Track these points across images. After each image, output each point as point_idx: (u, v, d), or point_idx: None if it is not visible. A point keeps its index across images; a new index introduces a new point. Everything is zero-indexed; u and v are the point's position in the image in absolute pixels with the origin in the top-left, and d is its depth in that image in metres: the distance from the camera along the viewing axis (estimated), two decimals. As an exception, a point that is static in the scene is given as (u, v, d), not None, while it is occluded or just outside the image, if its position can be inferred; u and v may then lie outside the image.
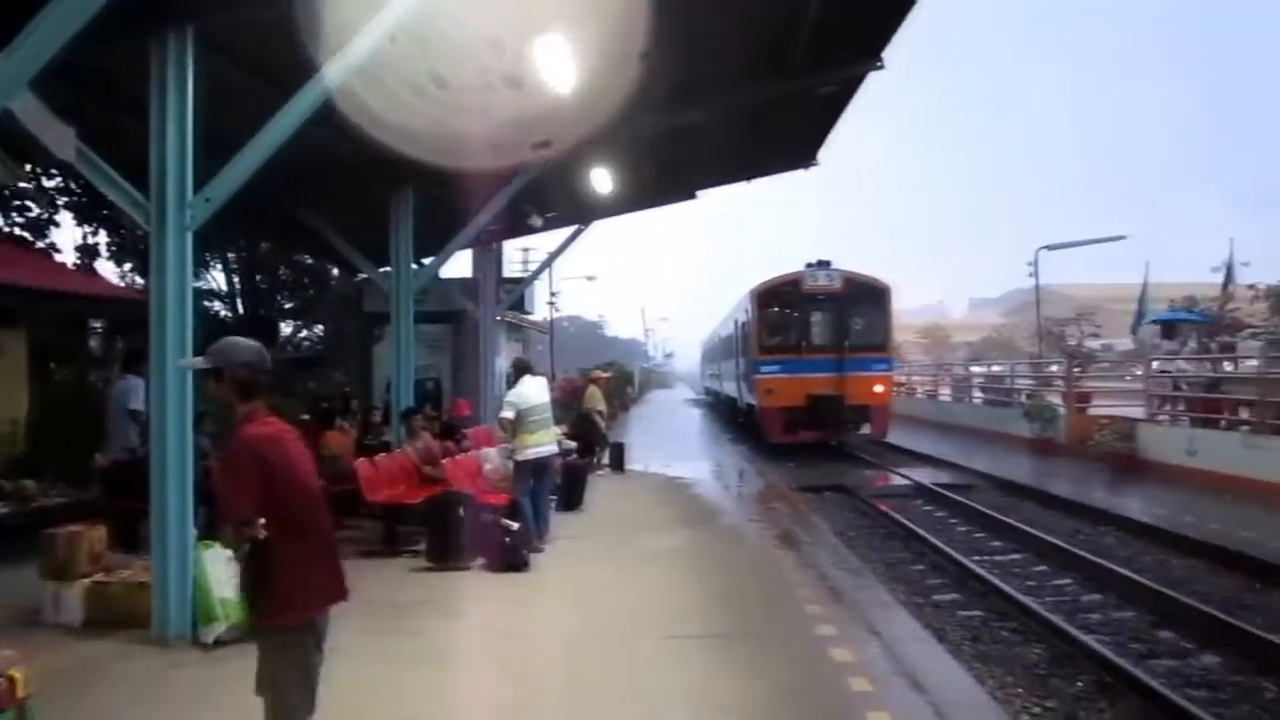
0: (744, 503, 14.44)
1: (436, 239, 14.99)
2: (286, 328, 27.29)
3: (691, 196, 20.53)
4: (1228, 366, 17.31)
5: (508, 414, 10.51)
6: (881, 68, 13.35)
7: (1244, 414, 15.45)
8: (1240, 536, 10.81)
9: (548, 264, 24.73)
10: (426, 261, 16.09)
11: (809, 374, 21.96)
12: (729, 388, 31.32)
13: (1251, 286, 19.64)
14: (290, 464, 4.02)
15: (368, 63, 7.52)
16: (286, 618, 3.95)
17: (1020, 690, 7.02)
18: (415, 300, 14.29)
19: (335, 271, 25.60)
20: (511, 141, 12.93)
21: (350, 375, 23.27)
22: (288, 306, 28.94)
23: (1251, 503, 12.97)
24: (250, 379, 4.07)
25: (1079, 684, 7.10)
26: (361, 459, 11.24)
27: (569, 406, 20.41)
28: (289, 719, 3.95)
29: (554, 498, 12.15)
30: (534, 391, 10.76)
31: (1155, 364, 19.46)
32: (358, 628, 7.33)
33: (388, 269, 14.38)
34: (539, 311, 42.49)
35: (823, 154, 18.40)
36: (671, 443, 25.95)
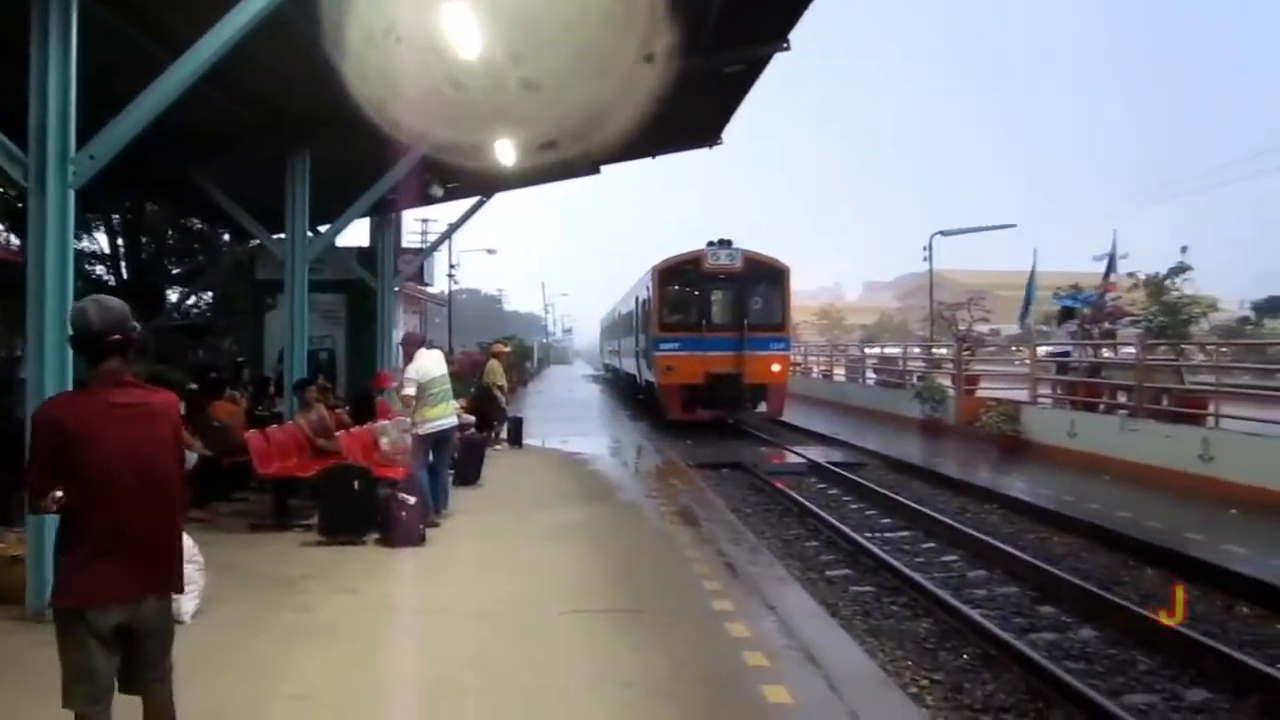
0: (642, 479, 14.49)
1: (334, 205, 14.57)
2: (174, 294, 26.21)
3: (596, 171, 20.40)
4: (1106, 353, 17.99)
5: (409, 390, 10.32)
6: (787, 49, 13.43)
7: (1122, 398, 16.10)
8: (1117, 516, 11.26)
9: (449, 235, 24.32)
10: (323, 229, 15.66)
11: (708, 352, 22.12)
12: (629, 364, 31.38)
13: (1131, 275, 20.38)
14: (96, 443, 3.65)
15: (264, 21, 7.25)
16: (60, 599, 3.69)
17: (910, 663, 7.21)
18: (310, 268, 13.91)
19: (227, 237, 24.76)
20: (415, 108, 12.63)
21: (241, 344, 22.57)
22: (175, 272, 27.86)
23: (1128, 483, 13.53)
24: (74, 336, 3.81)
25: (965, 656, 7.33)
26: (252, 430, 10.94)
27: (467, 380, 20.18)
28: (71, 704, 3.68)
29: (452, 472, 12.01)
30: (433, 364, 10.58)
31: (1040, 350, 20.13)
32: (246, 602, 7.17)
33: (282, 235, 13.96)
34: (438, 284, 41.91)
35: (727, 133, 18.49)
36: (570, 419, 25.90)
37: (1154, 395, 14.98)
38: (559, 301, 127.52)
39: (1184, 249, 21.33)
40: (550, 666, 5.89)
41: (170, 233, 26.92)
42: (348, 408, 14.29)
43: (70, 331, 3.83)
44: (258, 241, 18.09)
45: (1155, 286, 18.98)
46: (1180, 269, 20.05)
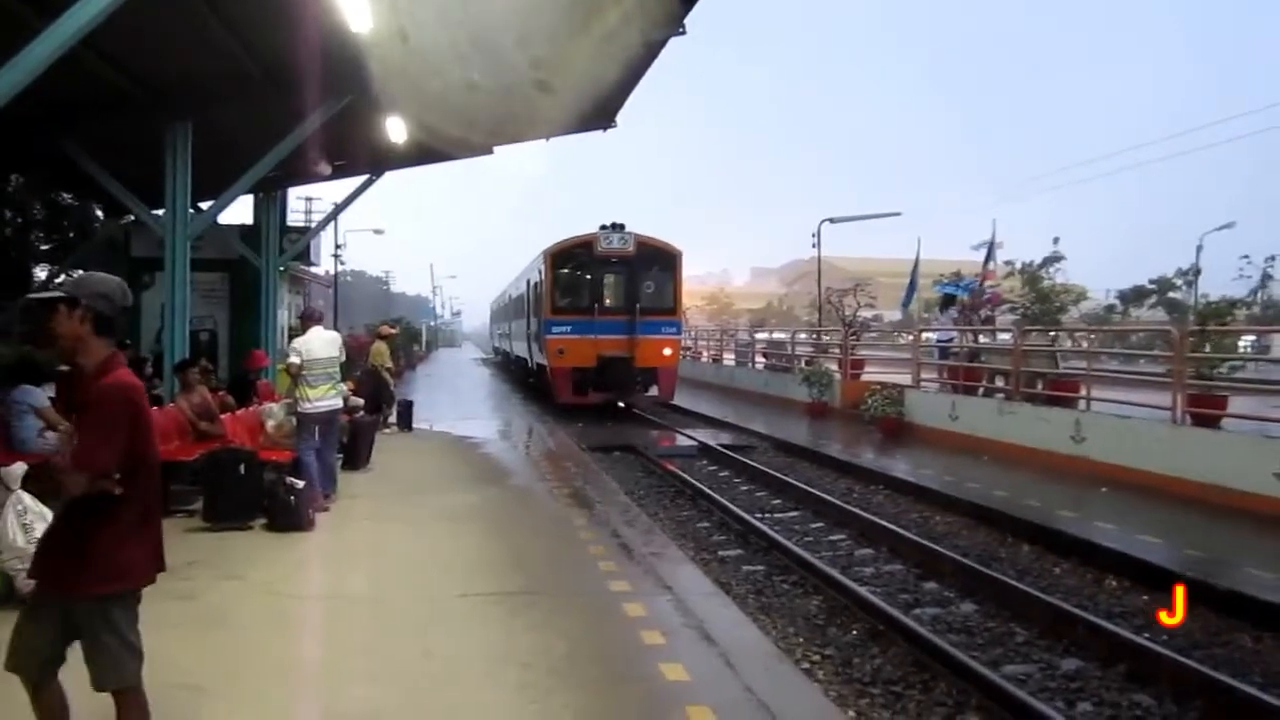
0: (535, 462, 14.45)
1: (216, 182, 14.10)
2: (42, 271, 24.96)
3: (488, 152, 20.19)
4: (985, 338, 18.64)
5: (294, 359, 10.09)
6: (683, 33, 13.49)
7: (1000, 382, 16.71)
8: (995, 495, 11.69)
9: (336, 214, 23.83)
10: (204, 206, 15.14)
11: (600, 335, 22.13)
12: (519, 348, 31.19)
13: (1008, 264, 21.14)
14: (150, 424, 3.74)
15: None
16: (126, 580, 3.71)
17: (802, 639, 7.38)
18: (191, 246, 13.44)
19: (100, 212, 23.71)
20: (304, 81, 12.30)
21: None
22: (44, 249, 26.53)
23: (1006, 463, 14.05)
24: (110, 314, 3.68)
25: (854, 632, 7.53)
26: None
27: (354, 363, 19.79)
28: (128, 681, 3.74)
29: (340, 456, 11.77)
30: (320, 344, 10.35)
31: (924, 334, 20.73)
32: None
33: (161, 211, 13.44)
34: (323, 264, 40.86)
35: (622, 117, 18.49)
36: (461, 402, 25.65)
37: (1029, 379, 15.58)
38: (448, 284, 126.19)
39: (1056, 240, 22.25)
40: (445, 650, 5.84)
41: (36, 207, 25.64)
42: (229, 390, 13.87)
43: (120, 304, 3.73)
44: (134, 217, 17.39)
45: (1030, 275, 19.71)
46: (1054, 259, 20.92)
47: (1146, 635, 7.13)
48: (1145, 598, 8.20)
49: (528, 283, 27.35)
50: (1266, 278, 46.65)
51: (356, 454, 12.84)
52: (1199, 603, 7.79)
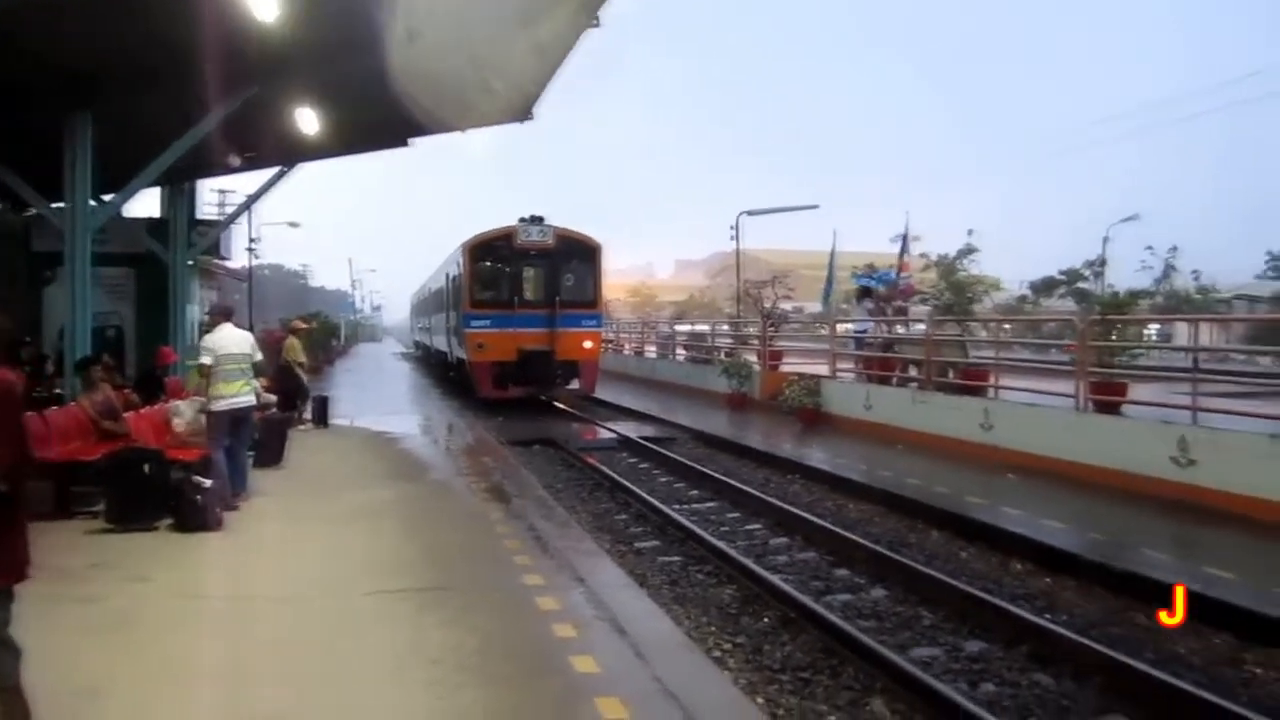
0: (453, 457, 14.35)
1: (123, 174, 13.68)
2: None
3: (404, 144, 19.91)
4: (900, 329, 19.00)
5: (205, 359, 9.88)
6: (598, 25, 13.44)
7: (914, 372, 17.04)
8: (907, 483, 11.93)
9: (246, 206, 23.20)
10: (108, 198, 14.68)
11: (520, 329, 22.07)
12: (439, 342, 30.93)
13: (923, 256, 21.61)
14: (22, 419, 3.80)
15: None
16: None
17: (714, 629, 7.46)
18: (95, 240, 13.05)
19: (-2, 205, 22.87)
20: (211, 68, 11.99)
21: (16, 320, 20.94)
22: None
23: (918, 452, 14.35)
24: None
25: (765, 620, 7.63)
26: (31, 413, 10.18)
27: (268, 358, 19.41)
28: (8, 681, 3.95)
29: (252, 453, 11.55)
30: (231, 340, 10.14)
31: (840, 326, 21.05)
32: (24, 597, 6.68)
33: (62, 204, 13.01)
34: (237, 258, 40.00)
35: (541, 110, 18.37)
36: (379, 397, 25.34)
37: (941, 369, 15.93)
38: (368, 278, 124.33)
39: (970, 232, 22.77)
40: (355, 648, 5.78)
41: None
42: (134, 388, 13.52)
43: None
44: (35, 210, 16.81)
45: (945, 267, 20.16)
46: (968, 250, 21.41)
47: (1048, 616, 7.37)
48: (1048, 580, 8.47)
49: (447, 276, 27.11)
50: (1169, 268, 48.19)
51: (269, 452, 12.61)
52: (1097, 584, 8.10)
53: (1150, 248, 48.04)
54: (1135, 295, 17.15)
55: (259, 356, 10.52)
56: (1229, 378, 16.48)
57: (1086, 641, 6.58)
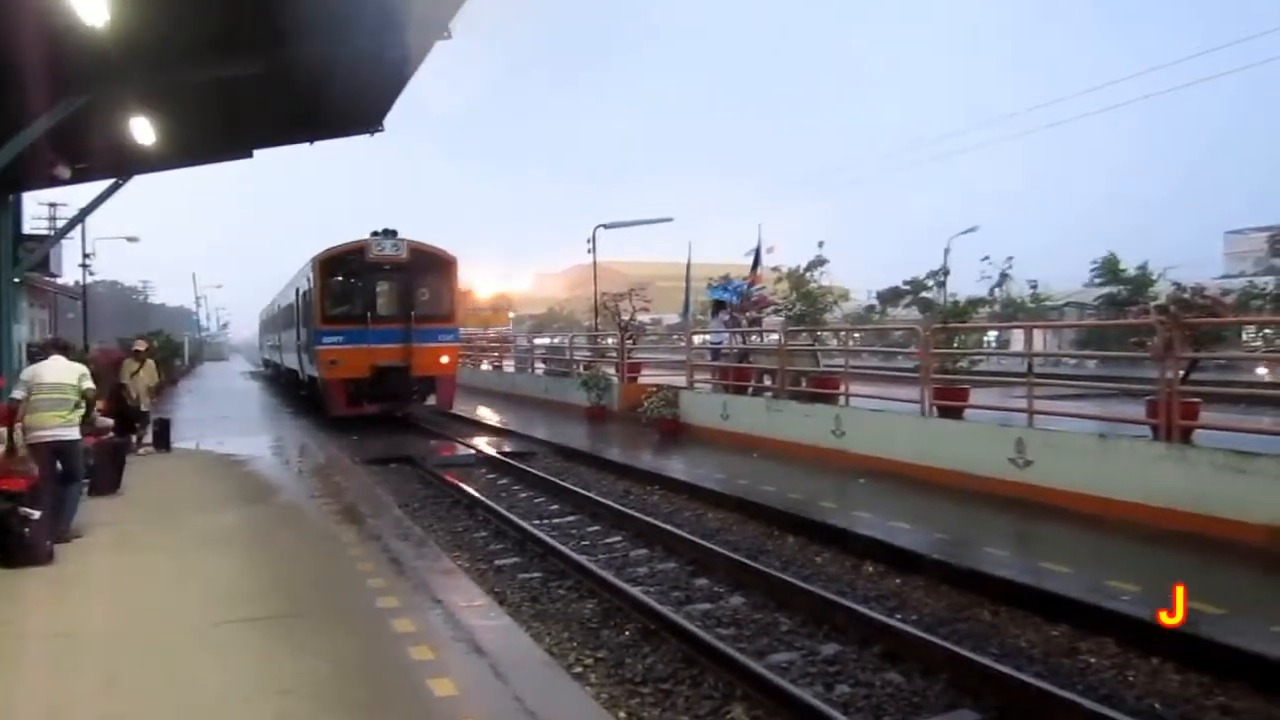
0: (305, 478, 13.89)
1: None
2: None
3: (248, 155, 19.30)
4: (754, 339, 19.37)
5: (18, 393, 9.36)
6: (448, 38, 13.32)
7: (768, 381, 17.39)
8: (763, 490, 12.14)
9: (78, 220, 22.18)
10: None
11: (374, 344, 21.59)
12: (290, 359, 29.98)
13: (775, 269, 22.04)
14: None
15: None
16: None
17: (575, 644, 7.40)
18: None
19: None
20: (30, 78, 11.36)
21: None
22: None
23: (775, 459, 14.63)
24: None
25: (627, 633, 7.62)
26: None
27: (104, 381, 18.44)
28: None
29: (86, 481, 10.92)
30: (52, 371, 9.55)
31: (695, 337, 21.32)
32: None
33: None
34: (70, 274, 37.99)
35: (393, 122, 18.10)
36: (226, 418, 24.36)
37: (794, 378, 16.30)
38: (214, 294, 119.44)
39: (821, 244, 23.34)
40: (201, 682, 5.51)
41: None
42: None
43: None
44: None
45: (796, 278, 20.58)
46: (818, 262, 21.92)
47: (898, 616, 7.59)
48: (899, 580, 8.73)
49: (297, 291, 26.31)
50: (1004, 276, 50.52)
51: (105, 479, 11.95)
52: (944, 582, 8.39)
53: (987, 257, 50.26)
54: (974, 303, 17.86)
55: (88, 385, 9.88)
56: (1062, 381, 17.41)
57: (934, 639, 6.81)
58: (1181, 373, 10.08)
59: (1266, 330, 26.87)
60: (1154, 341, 10.25)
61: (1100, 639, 6.88)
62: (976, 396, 13.45)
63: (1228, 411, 11.82)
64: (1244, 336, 24.93)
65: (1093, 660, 6.65)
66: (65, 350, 10.25)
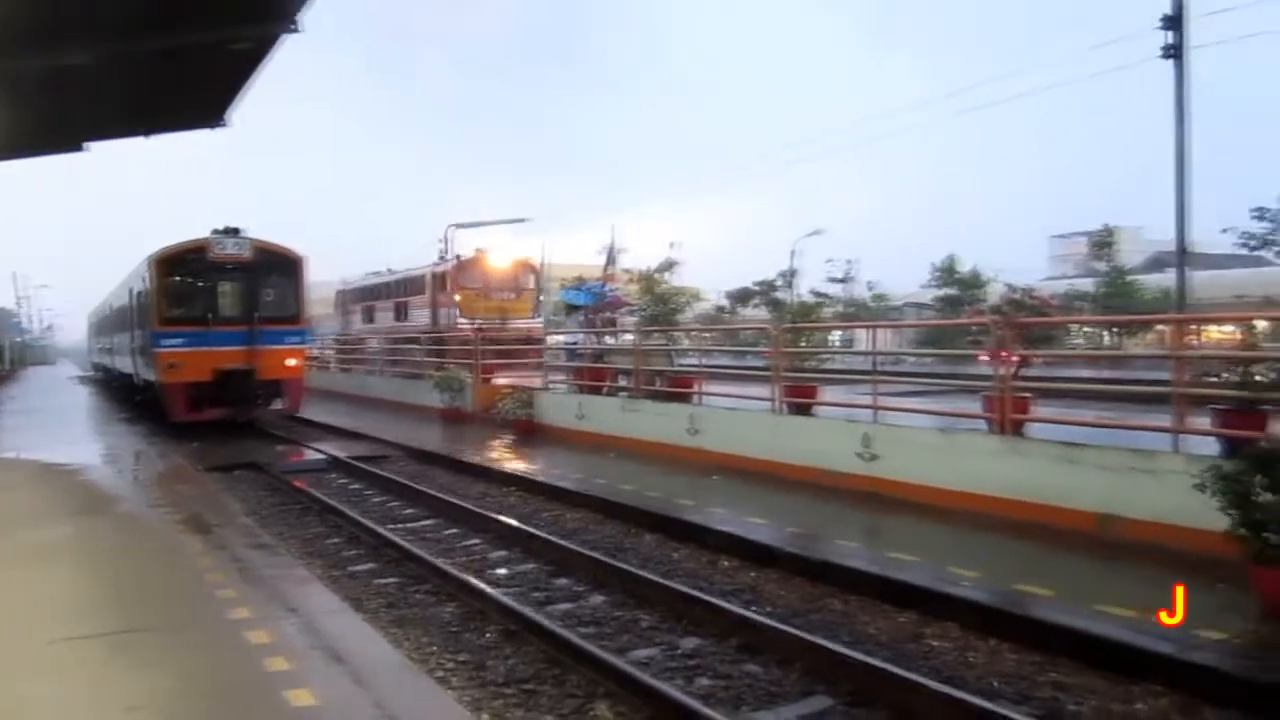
0: (144, 487, 13.26)
1: None
2: None
3: (79, 148, 18.29)
4: (609, 339, 19.52)
5: None
6: (296, 31, 12.93)
7: (623, 381, 17.55)
8: (620, 489, 12.26)
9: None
10: None
11: (216, 347, 20.76)
12: (123, 363, 28.55)
13: (626, 271, 22.28)
14: None
15: None
16: None
17: (435, 648, 7.31)
18: None
19: None
20: None
21: None
22: None
23: (631, 458, 14.79)
24: None
25: (488, 635, 7.58)
26: None
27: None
28: None
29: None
30: None
31: (550, 338, 21.34)
32: None
33: None
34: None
35: (239, 117, 17.44)
36: (53, 425, 23.07)
37: (649, 377, 16.50)
38: (40, 294, 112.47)
39: (671, 245, 23.71)
40: (38, 703, 5.22)
41: None
42: None
43: None
44: None
45: (646, 280, 20.84)
46: (670, 263, 22.26)
47: (754, 609, 7.79)
48: (754, 574, 8.95)
49: (131, 291, 25.06)
50: (847, 277, 52.43)
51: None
52: (798, 574, 8.66)
53: (830, 259, 52.05)
54: (820, 299, 18.50)
55: None
56: (905, 378, 18.15)
57: (789, 629, 7.02)
58: (1013, 369, 10.68)
59: (1087, 329, 28.69)
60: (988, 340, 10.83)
61: (944, 624, 7.23)
62: (825, 394, 13.91)
63: (1055, 406, 12.52)
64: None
65: (936, 644, 6.98)
66: None
